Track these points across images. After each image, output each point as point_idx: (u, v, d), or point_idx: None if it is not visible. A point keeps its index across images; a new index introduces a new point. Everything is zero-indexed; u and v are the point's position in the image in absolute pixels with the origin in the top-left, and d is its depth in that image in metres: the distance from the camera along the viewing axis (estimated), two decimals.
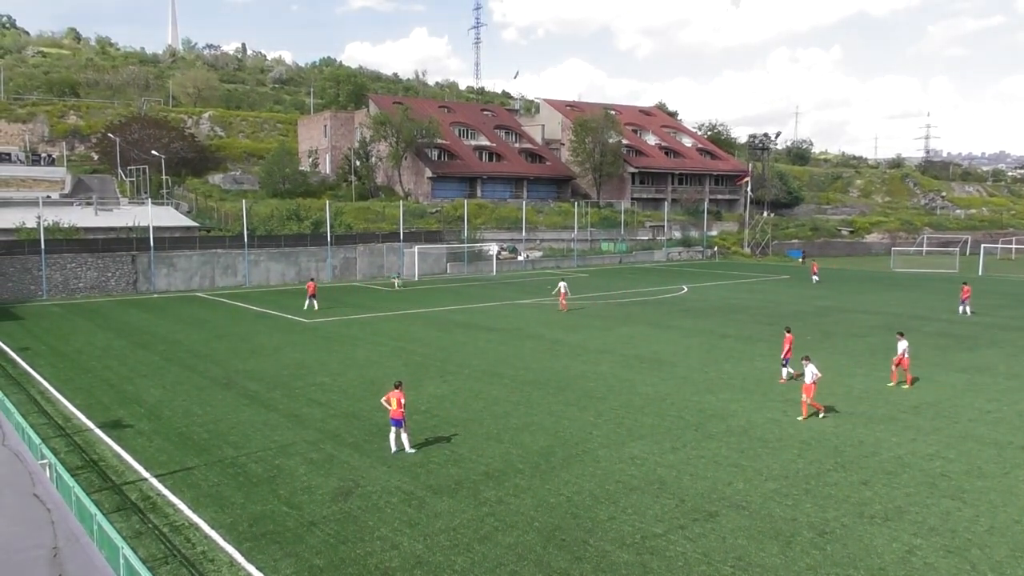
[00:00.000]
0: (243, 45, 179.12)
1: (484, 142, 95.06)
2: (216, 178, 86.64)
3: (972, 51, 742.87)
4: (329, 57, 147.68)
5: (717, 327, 36.63)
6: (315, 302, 42.15)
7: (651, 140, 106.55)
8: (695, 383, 24.97)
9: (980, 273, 65.80)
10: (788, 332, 26.29)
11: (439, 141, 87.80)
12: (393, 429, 17.97)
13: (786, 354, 25.38)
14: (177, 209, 70.02)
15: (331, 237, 59.28)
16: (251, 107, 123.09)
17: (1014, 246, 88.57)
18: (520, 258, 71.40)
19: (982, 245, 77.26)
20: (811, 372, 20.70)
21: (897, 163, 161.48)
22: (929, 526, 13.90)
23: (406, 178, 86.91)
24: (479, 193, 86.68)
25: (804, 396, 20.78)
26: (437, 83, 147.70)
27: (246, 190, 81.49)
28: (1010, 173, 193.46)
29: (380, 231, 64.65)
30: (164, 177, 78.30)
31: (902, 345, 24.90)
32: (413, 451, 17.85)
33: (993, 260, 77.91)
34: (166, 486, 15.76)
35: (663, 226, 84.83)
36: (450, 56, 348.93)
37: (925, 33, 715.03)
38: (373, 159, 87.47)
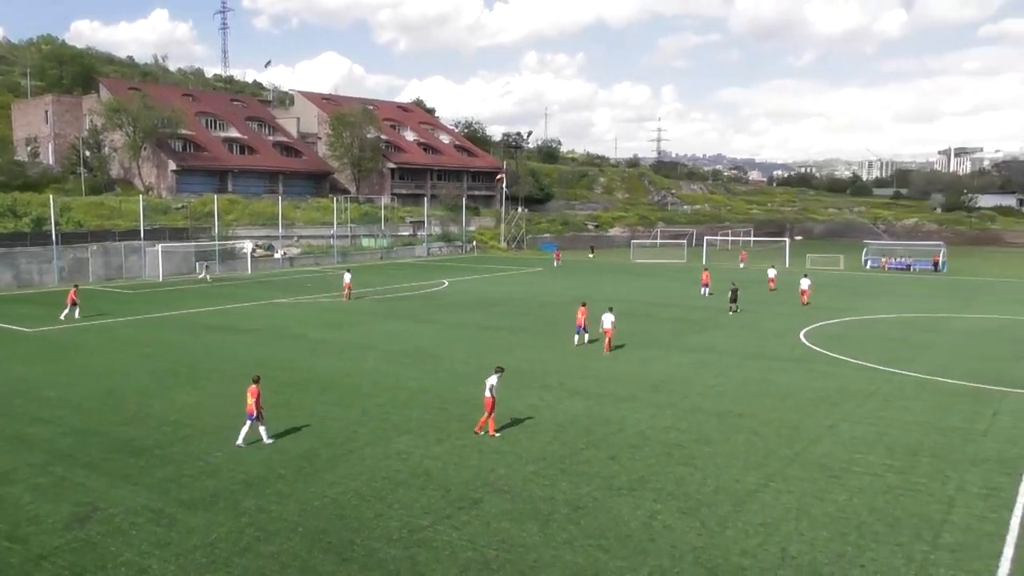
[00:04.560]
0: None
1: (234, 134, 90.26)
2: None
3: (695, 63, 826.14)
4: (50, 34, 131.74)
5: (478, 320, 37.72)
6: (75, 310, 37.09)
7: (410, 136, 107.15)
8: (459, 375, 25.52)
9: (704, 262, 73.45)
10: (584, 305, 31.66)
11: (183, 132, 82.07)
12: (248, 423, 17.86)
13: (580, 323, 30.74)
14: None
15: (57, 236, 53.17)
16: None
17: (730, 238, 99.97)
18: (277, 256, 68.70)
19: (705, 237, 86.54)
20: (490, 385, 18.82)
21: (634, 163, 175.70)
22: (667, 492, 15.32)
23: (146, 171, 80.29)
24: (230, 188, 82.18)
25: (487, 411, 18.79)
26: (180, 69, 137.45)
27: None
28: (726, 173, 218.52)
29: (117, 228, 59.09)
30: None
31: (609, 318, 29.89)
32: (270, 442, 18.01)
33: (714, 251, 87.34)
34: None
35: (423, 222, 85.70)
36: (195, 42, 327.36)
37: (656, 45, 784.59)
38: (106, 150, 79.86)
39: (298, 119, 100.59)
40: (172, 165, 79.02)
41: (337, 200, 78.07)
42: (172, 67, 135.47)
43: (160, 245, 57.78)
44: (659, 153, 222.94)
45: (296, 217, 77.02)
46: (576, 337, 31.01)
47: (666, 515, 14.16)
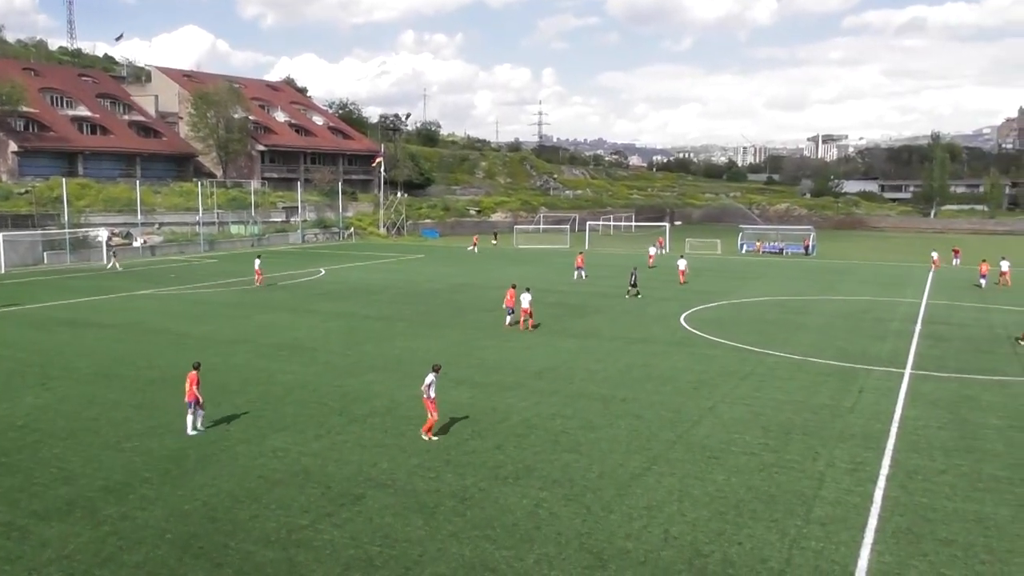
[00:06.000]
0: None
1: (85, 112, 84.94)
2: None
3: (575, 46, 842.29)
4: None
5: (357, 309, 37.22)
6: None
7: (280, 117, 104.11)
8: (337, 367, 25.13)
9: (587, 247, 75.06)
10: (513, 287, 33.09)
11: (25, 109, 76.52)
12: (191, 412, 18.19)
13: (509, 304, 32.54)
14: None
15: None
16: None
17: (612, 223, 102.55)
18: (136, 244, 65.33)
19: (588, 222, 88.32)
20: (427, 384, 18.00)
21: (516, 147, 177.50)
22: (553, 479, 15.65)
23: None
24: (81, 171, 77.50)
25: (433, 413, 17.93)
26: (19, 41, 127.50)
27: None
28: (607, 158, 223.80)
29: None
30: None
31: (527, 298, 31.64)
32: (201, 431, 18.21)
33: (596, 236, 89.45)
34: None
35: (297, 207, 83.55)
36: (36, 11, 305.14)
37: (535, 27, 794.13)
38: None
39: (156, 97, 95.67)
40: (13, 146, 73.60)
41: (202, 184, 74.88)
42: (10, 38, 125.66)
43: (1, 234, 53.82)
44: (541, 137, 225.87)
45: (156, 203, 73.51)
46: (508, 318, 32.52)
47: (552, 502, 14.48)
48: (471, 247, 73.35)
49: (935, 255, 60.70)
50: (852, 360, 26.66)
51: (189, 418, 18.25)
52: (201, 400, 18.32)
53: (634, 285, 41.65)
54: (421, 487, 15.16)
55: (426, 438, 17.83)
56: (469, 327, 32.48)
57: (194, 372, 18.36)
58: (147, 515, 13.79)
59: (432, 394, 17.90)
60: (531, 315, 31.86)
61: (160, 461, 16.45)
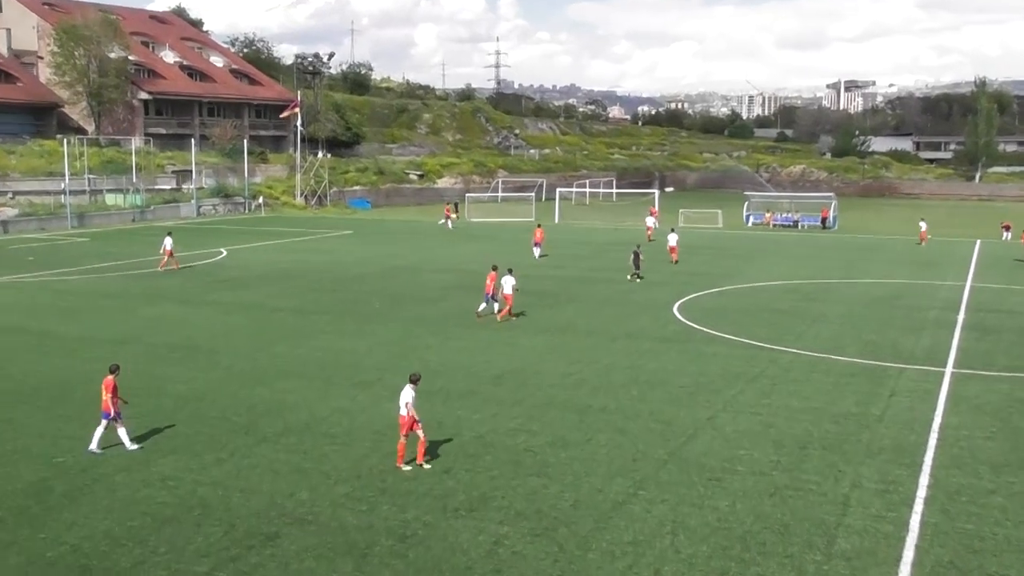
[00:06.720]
0: None
1: None
2: None
3: None
4: None
5: (267, 299, 36.98)
6: None
7: (169, 57, 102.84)
8: (242, 373, 24.93)
9: (557, 221, 75.24)
10: (494, 270, 32.81)
11: None
12: (103, 424, 18.31)
13: (489, 290, 32.56)
14: None
15: None
16: None
17: (588, 190, 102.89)
18: None
19: (557, 189, 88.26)
20: (405, 401, 17.68)
21: (468, 95, 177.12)
22: (515, 510, 15.65)
23: None
24: None
25: (403, 433, 17.67)
26: None
27: None
28: (582, 109, 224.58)
29: None
30: None
31: (510, 282, 31.91)
32: (136, 447, 18.40)
33: (569, 206, 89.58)
34: None
35: (191, 171, 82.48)
36: None
37: None
38: None
39: (8, 31, 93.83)
40: None
41: (69, 142, 73.58)
42: None
43: None
44: (498, 83, 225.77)
45: (10, 166, 72.40)
46: (483, 306, 32.71)
47: (515, 539, 14.48)
48: (443, 220, 70.98)
49: (923, 225, 61.15)
50: (881, 357, 27.09)
51: (99, 432, 18.34)
52: (117, 411, 18.40)
53: (637, 267, 41.94)
54: (350, 522, 15.07)
55: (407, 469, 17.47)
56: (408, 321, 32.35)
57: (111, 377, 18.56)
58: (0, 564, 13.53)
59: (410, 411, 17.46)
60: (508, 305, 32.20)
61: (16, 496, 16.16)
